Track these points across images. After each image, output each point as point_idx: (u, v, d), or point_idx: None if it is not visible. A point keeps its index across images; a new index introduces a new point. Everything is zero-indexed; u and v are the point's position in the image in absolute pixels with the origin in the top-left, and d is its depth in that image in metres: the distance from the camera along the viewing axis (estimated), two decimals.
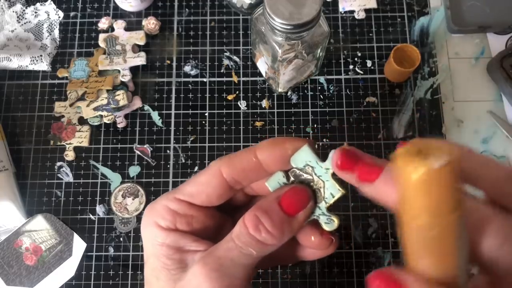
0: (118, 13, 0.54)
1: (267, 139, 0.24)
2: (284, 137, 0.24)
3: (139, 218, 0.47)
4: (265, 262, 0.24)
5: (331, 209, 0.23)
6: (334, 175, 0.22)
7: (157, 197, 0.47)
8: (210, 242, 0.23)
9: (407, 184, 0.15)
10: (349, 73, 0.51)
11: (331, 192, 0.23)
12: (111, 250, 0.46)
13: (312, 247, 0.25)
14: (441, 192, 0.14)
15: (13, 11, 0.54)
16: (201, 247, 0.23)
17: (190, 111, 0.50)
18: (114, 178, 0.48)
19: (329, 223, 0.23)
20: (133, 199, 0.47)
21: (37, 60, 0.51)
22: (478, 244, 0.17)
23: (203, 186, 0.24)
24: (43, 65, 0.51)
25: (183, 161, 0.49)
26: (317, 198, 0.23)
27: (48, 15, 0.54)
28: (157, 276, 0.23)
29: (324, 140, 0.49)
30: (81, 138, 0.49)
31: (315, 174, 0.23)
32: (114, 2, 0.54)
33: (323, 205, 0.23)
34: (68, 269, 0.45)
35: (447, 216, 0.15)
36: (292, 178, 0.23)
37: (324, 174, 0.22)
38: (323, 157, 0.23)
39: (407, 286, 0.16)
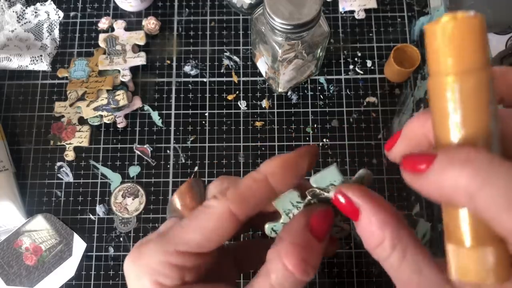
0: (118, 13, 0.54)
1: (273, 159, 0.20)
2: (291, 154, 0.20)
3: (139, 218, 0.47)
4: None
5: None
6: None
7: (157, 197, 0.48)
8: (219, 284, 0.21)
9: (441, 37, 0.15)
10: (349, 73, 0.51)
11: None
12: (111, 250, 0.46)
13: None
14: (473, 43, 0.15)
15: (13, 11, 0.54)
16: None
17: (190, 111, 0.50)
18: (114, 178, 0.48)
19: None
20: (133, 199, 0.47)
21: (37, 60, 0.51)
22: None
23: (214, 233, 0.20)
24: (43, 65, 0.51)
25: (183, 161, 0.49)
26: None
27: (48, 15, 0.54)
28: None
29: (324, 140, 0.49)
30: (81, 138, 0.49)
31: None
32: (114, 2, 0.54)
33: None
34: (68, 269, 0.45)
35: (480, 70, 0.15)
36: (309, 197, 0.21)
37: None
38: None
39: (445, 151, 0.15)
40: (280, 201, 0.21)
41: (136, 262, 0.20)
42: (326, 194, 0.21)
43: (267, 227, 0.23)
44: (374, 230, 0.18)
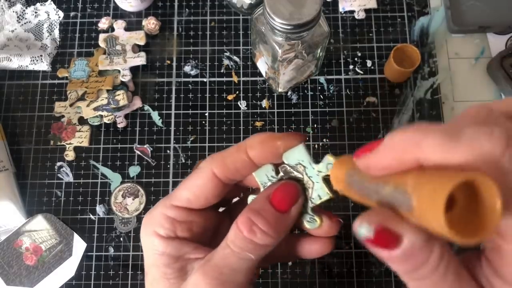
0: (118, 13, 0.54)
1: (257, 134, 0.23)
2: (275, 133, 0.23)
3: (139, 218, 0.47)
4: (262, 261, 0.23)
5: (316, 210, 0.23)
6: (325, 179, 0.22)
7: (157, 197, 0.48)
8: (209, 249, 0.23)
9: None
10: (349, 73, 0.51)
11: (319, 194, 0.23)
12: (111, 250, 0.46)
13: (320, 234, 0.25)
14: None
15: (13, 11, 0.54)
16: (201, 254, 0.23)
17: (190, 111, 0.50)
18: (114, 178, 0.48)
19: (311, 222, 0.23)
20: (133, 199, 0.47)
21: (37, 60, 0.51)
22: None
23: (200, 190, 0.23)
24: (43, 65, 0.51)
25: (183, 161, 0.49)
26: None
27: (48, 15, 0.54)
28: (156, 287, 0.23)
29: (324, 140, 0.49)
30: (81, 138, 0.49)
31: (306, 174, 0.23)
32: (114, 2, 0.54)
33: (308, 205, 0.23)
34: (68, 269, 0.45)
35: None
36: (281, 174, 0.23)
37: (315, 176, 0.22)
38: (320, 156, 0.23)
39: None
40: (258, 173, 0.24)
41: (146, 216, 0.25)
42: (295, 173, 0.23)
43: (249, 198, 0.24)
44: (417, 252, 0.16)
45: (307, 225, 0.24)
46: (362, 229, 0.17)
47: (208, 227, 0.25)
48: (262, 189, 0.24)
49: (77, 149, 0.49)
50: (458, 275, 0.17)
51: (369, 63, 0.51)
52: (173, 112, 0.50)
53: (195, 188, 0.23)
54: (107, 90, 0.50)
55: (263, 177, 0.24)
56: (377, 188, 0.18)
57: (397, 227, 0.16)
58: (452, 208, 0.16)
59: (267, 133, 0.23)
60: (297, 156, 0.22)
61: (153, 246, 0.23)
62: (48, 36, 0.53)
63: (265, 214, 0.21)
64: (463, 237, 0.14)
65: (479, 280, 0.17)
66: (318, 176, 0.22)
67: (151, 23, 0.52)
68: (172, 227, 0.23)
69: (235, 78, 0.51)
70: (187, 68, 0.52)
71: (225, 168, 0.23)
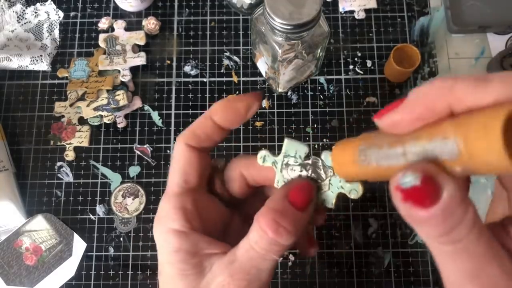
0: (118, 13, 0.54)
1: (219, 101, 0.24)
2: (236, 96, 0.24)
3: (139, 218, 0.47)
4: None
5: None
6: (340, 194, 0.23)
7: (157, 197, 0.48)
8: (224, 244, 0.23)
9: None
10: (349, 73, 0.51)
11: (325, 199, 0.23)
12: (111, 250, 0.46)
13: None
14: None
15: (13, 11, 0.54)
16: (217, 249, 0.23)
17: (190, 111, 0.50)
18: (114, 178, 0.48)
19: (356, 191, 0.23)
20: (133, 199, 0.47)
21: (37, 60, 0.51)
22: None
23: (187, 167, 0.24)
24: (43, 65, 0.51)
25: None
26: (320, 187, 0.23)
27: (48, 15, 0.54)
28: (175, 285, 0.22)
29: (324, 140, 0.49)
30: (81, 138, 0.49)
31: (330, 179, 0.23)
32: (114, 2, 0.54)
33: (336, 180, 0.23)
34: (68, 269, 0.45)
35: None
36: (310, 161, 0.23)
37: (335, 187, 0.23)
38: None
39: None
40: (290, 144, 0.23)
41: (156, 219, 0.24)
42: (321, 171, 0.23)
43: (261, 152, 0.24)
44: (456, 208, 0.16)
45: (352, 195, 0.24)
46: (407, 178, 0.16)
47: (217, 220, 0.25)
48: (280, 157, 0.24)
49: (77, 149, 0.49)
50: (490, 242, 0.16)
51: (369, 63, 0.51)
52: (173, 112, 0.50)
53: (182, 168, 0.24)
54: (107, 90, 0.50)
55: (292, 150, 0.23)
56: (404, 149, 0.17)
57: (439, 177, 0.16)
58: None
59: (226, 98, 0.24)
60: (298, 149, 0.23)
61: (168, 244, 0.23)
62: (48, 36, 0.53)
63: (288, 214, 0.21)
64: None
65: (507, 248, 0.17)
66: (338, 189, 0.23)
67: (151, 23, 0.52)
68: (184, 217, 0.23)
69: (235, 78, 0.51)
70: (187, 68, 0.52)
71: (196, 138, 0.24)
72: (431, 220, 0.16)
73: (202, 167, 0.24)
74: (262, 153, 0.24)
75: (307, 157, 0.23)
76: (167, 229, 0.23)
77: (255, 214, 0.22)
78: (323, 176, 0.23)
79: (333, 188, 0.23)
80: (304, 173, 0.23)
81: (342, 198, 0.23)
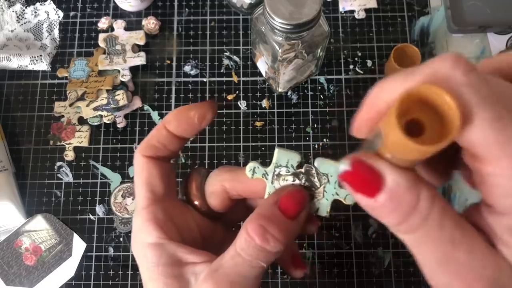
0: (118, 13, 0.54)
1: (174, 110, 0.24)
2: (189, 105, 0.24)
3: None
4: None
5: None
6: (335, 201, 0.23)
7: None
8: (207, 252, 0.23)
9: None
10: (349, 73, 0.51)
11: (319, 208, 0.23)
12: (111, 250, 0.46)
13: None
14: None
15: (13, 11, 0.54)
16: (199, 258, 0.22)
17: None
18: (114, 178, 0.48)
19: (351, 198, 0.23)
20: (133, 199, 0.47)
21: (37, 60, 0.51)
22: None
23: (150, 179, 0.24)
24: (43, 65, 0.51)
25: (183, 161, 0.49)
26: (314, 195, 0.23)
27: (48, 15, 0.54)
28: None
29: (324, 140, 0.49)
30: (81, 138, 0.49)
31: (324, 187, 0.23)
32: (114, 2, 0.54)
33: (331, 188, 0.23)
34: (68, 269, 0.45)
35: None
36: (303, 170, 0.23)
37: (330, 194, 0.23)
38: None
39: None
40: (281, 153, 0.23)
41: (131, 239, 0.24)
42: (315, 179, 0.22)
43: (250, 164, 0.23)
44: (404, 195, 0.16)
45: (348, 202, 0.24)
46: (341, 166, 0.17)
47: (195, 228, 0.24)
48: (271, 167, 0.23)
49: (76, 149, 0.49)
50: (459, 226, 0.16)
51: (369, 63, 0.51)
52: None
53: (145, 181, 0.24)
54: (107, 90, 0.50)
55: (283, 160, 0.22)
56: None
57: (377, 164, 0.16)
58: (422, 134, 0.16)
59: (178, 108, 0.24)
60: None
61: (147, 259, 0.23)
62: (47, 36, 0.53)
63: (276, 221, 0.21)
64: (423, 143, 0.14)
65: (482, 230, 0.17)
66: (333, 196, 0.22)
67: (151, 23, 0.52)
68: (157, 227, 0.22)
69: (235, 78, 0.51)
70: (187, 68, 0.52)
71: (153, 148, 0.24)
72: (382, 208, 0.16)
73: (165, 175, 0.24)
74: (251, 165, 0.23)
75: (299, 165, 0.23)
76: (143, 244, 0.23)
77: (237, 222, 0.21)
78: (317, 184, 0.22)
79: (328, 196, 0.23)
80: (297, 182, 0.23)
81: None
